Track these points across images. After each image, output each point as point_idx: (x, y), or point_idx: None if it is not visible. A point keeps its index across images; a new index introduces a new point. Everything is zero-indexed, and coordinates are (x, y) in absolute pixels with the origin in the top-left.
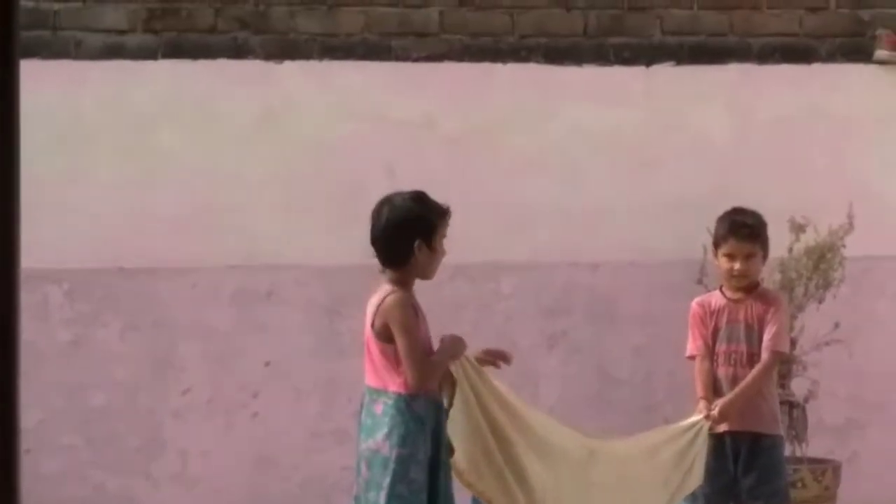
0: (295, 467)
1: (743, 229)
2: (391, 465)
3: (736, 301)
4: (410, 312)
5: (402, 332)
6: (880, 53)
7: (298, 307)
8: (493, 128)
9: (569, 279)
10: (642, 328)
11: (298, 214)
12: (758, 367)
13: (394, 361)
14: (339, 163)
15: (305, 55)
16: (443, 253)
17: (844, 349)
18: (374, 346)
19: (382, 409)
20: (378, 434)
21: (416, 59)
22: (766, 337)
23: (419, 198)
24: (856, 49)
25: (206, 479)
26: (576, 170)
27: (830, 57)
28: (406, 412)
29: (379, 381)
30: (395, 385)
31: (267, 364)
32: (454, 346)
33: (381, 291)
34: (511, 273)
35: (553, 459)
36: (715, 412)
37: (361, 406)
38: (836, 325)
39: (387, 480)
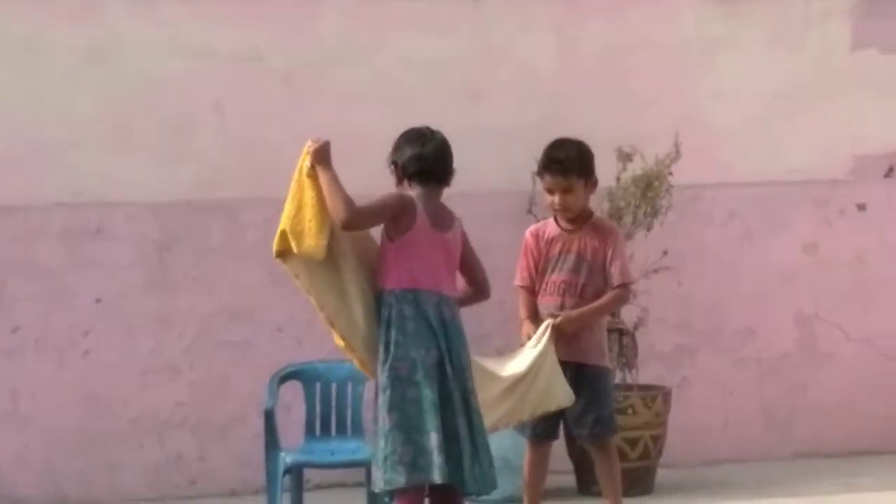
0: (126, 404)
1: (555, 165)
2: None
3: (570, 231)
4: None
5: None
6: None
7: (128, 243)
8: (322, 60)
9: None
10: None
11: (126, 151)
12: (609, 296)
13: None
14: (167, 98)
15: None
16: None
17: (673, 276)
18: (458, 256)
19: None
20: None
21: None
22: (614, 271)
23: None
24: None
25: (37, 418)
26: (406, 101)
27: None
28: None
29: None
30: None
31: (98, 301)
32: None
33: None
34: None
35: None
36: (559, 319)
37: (450, 315)
38: (665, 253)
39: None
